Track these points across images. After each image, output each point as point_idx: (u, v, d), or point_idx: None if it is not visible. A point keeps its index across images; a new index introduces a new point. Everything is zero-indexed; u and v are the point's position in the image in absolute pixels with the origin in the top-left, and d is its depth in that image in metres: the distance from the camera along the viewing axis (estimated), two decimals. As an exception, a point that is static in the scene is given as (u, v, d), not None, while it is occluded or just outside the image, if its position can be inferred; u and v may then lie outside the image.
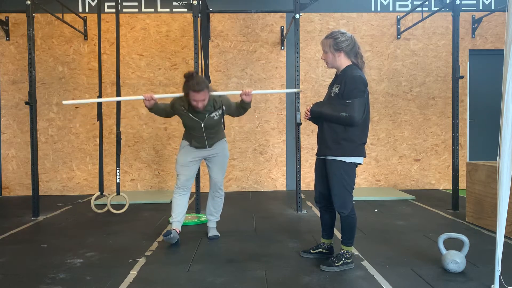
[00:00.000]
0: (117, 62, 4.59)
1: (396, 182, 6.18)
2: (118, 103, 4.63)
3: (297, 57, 4.50)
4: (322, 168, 2.81)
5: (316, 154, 2.84)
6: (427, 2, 6.00)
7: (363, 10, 6.11)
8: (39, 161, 5.90)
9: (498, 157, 2.22)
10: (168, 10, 6.01)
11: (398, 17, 6.07)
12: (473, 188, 3.89)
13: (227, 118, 6.01)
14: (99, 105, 4.66)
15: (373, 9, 6.12)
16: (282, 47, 6.05)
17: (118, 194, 4.63)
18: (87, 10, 5.98)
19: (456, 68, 4.45)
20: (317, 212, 4.52)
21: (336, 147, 2.66)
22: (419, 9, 5.94)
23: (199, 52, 4.51)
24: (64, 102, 3.26)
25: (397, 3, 6.14)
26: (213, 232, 3.53)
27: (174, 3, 5.97)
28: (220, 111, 3.31)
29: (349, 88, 2.59)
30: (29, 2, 4.30)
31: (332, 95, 2.71)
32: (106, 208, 4.59)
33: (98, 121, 4.70)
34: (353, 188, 2.71)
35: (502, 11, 5.95)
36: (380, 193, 5.56)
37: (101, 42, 4.71)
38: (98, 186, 5.61)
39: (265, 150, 6.11)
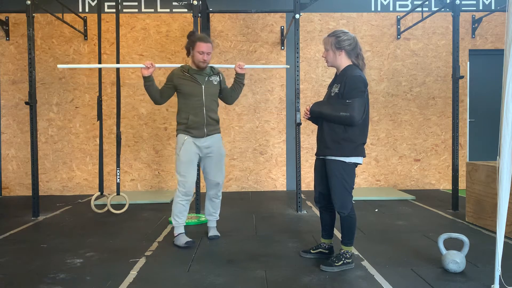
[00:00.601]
0: (117, 62, 4.59)
1: (396, 182, 6.18)
2: (118, 103, 4.62)
3: (297, 57, 4.50)
4: (322, 168, 2.81)
5: (316, 154, 2.84)
6: (427, 2, 6.00)
7: (363, 10, 6.10)
8: (39, 161, 5.90)
9: (498, 157, 2.22)
10: (168, 10, 6.01)
11: (398, 17, 6.07)
12: (473, 188, 3.89)
13: (227, 118, 6.04)
14: (99, 105, 4.66)
15: (373, 9, 6.12)
16: (282, 47, 6.05)
17: (118, 194, 4.63)
18: (87, 10, 5.98)
19: (456, 68, 4.45)
20: (317, 212, 4.52)
21: (335, 147, 2.66)
22: (419, 9, 5.94)
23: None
24: (59, 66, 3.21)
25: (397, 3, 6.14)
26: (213, 232, 3.52)
27: (174, 3, 5.97)
28: (218, 78, 3.41)
29: (349, 88, 2.60)
30: (29, 2, 4.30)
31: (332, 95, 2.71)
32: (106, 208, 4.59)
33: (98, 121, 4.70)
34: (353, 188, 2.71)
35: (502, 11, 5.95)
36: (380, 193, 5.56)
37: (101, 42, 4.71)
38: (98, 186, 5.61)
39: (265, 150, 6.11)
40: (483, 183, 3.72)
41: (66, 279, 2.58)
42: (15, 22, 5.90)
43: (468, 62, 6.12)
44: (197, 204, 4.51)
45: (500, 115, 2.20)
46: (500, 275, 2.25)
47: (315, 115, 2.78)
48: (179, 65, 3.41)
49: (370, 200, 5.19)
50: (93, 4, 5.98)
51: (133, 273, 2.67)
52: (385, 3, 6.13)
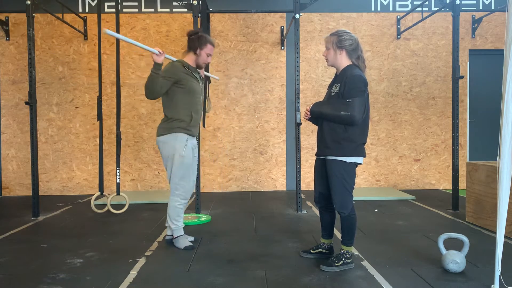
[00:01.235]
0: (117, 62, 4.59)
1: (396, 182, 6.18)
2: (118, 103, 4.62)
3: (297, 57, 4.50)
4: (322, 168, 2.81)
5: (316, 154, 2.84)
6: (427, 2, 6.00)
7: (363, 10, 6.10)
8: (39, 161, 5.90)
9: (498, 157, 2.22)
10: (168, 10, 6.01)
11: (398, 17, 6.07)
12: (473, 188, 3.89)
13: (227, 118, 6.04)
14: (99, 105, 4.66)
15: (373, 9, 6.12)
16: (282, 47, 6.05)
17: (118, 194, 4.63)
18: (87, 10, 5.98)
19: (456, 68, 4.45)
20: (317, 212, 4.51)
21: (336, 147, 2.66)
22: (419, 9, 5.94)
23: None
24: (107, 31, 2.66)
25: (397, 3, 6.14)
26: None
27: (174, 3, 5.98)
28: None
29: (349, 87, 2.60)
30: (29, 2, 4.30)
31: (332, 94, 2.71)
32: (106, 208, 4.59)
33: (98, 121, 4.70)
34: (353, 188, 2.71)
35: (502, 11, 5.95)
36: (380, 193, 5.56)
37: (101, 42, 4.71)
38: (98, 186, 5.61)
39: (265, 150, 6.11)
40: (483, 183, 3.72)
41: (66, 279, 2.58)
42: (15, 22, 5.90)
43: (468, 62, 6.12)
44: (197, 204, 4.51)
45: (500, 115, 2.20)
46: (500, 275, 2.25)
47: (315, 115, 2.78)
48: (177, 60, 3.24)
49: (370, 200, 5.19)
50: (93, 4, 5.98)
51: (133, 273, 2.67)
52: (385, 3, 6.13)
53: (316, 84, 6.10)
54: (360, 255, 3.00)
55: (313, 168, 2.95)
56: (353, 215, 2.71)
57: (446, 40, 6.10)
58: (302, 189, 5.86)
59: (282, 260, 2.91)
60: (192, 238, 3.40)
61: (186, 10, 5.89)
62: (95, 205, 4.71)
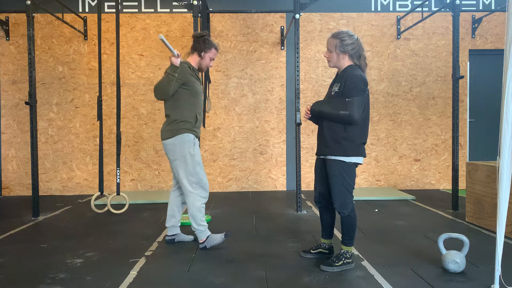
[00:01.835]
0: (117, 62, 4.59)
1: (396, 182, 6.18)
2: (118, 103, 4.62)
3: (297, 57, 4.50)
4: (322, 168, 2.81)
5: (316, 154, 2.84)
6: (427, 2, 6.00)
7: (363, 10, 6.11)
8: (39, 161, 5.90)
9: (498, 157, 2.22)
10: (168, 10, 6.01)
11: (398, 17, 6.07)
12: (473, 188, 3.89)
13: (227, 118, 6.04)
14: (99, 105, 4.66)
15: (373, 9, 6.12)
16: (282, 47, 6.05)
17: (118, 194, 4.63)
18: (87, 10, 5.98)
19: (456, 68, 4.45)
20: (317, 212, 4.52)
21: (336, 147, 2.66)
22: (419, 9, 5.94)
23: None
24: (161, 36, 2.76)
25: (397, 3, 6.14)
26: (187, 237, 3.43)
27: (174, 3, 5.97)
28: None
29: (349, 86, 2.60)
30: (29, 2, 4.30)
31: (332, 93, 2.71)
32: (106, 208, 4.59)
33: (98, 121, 4.70)
34: (353, 188, 2.71)
35: (502, 11, 5.95)
36: (380, 193, 5.56)
37: (101, 42, 4.71)
38: (98, 186, 5.61)
39: (265, 150, 6.11)
40: (483, 183, 3.72)
41: (66, 279, 2.58)
42: (15, 22, 5.90)
43: (468, 62, 6.12)
44: (197, 204, 4.50)
45: (500, 115, 2.20)
46: (500, 275, 2.25)
47: (315, 114, 2.78)
48: (175, 51, 3.14)
49: (370, 200, 5.19)
50: (93, 4, 5.98)
51: (133, 273, 2.67)
52: (385, 3, 6.13)
53: (316, 84, 6.10)
54: (360, 255, 3.00)
55: (313, 168, 2.95)
56: (353, 215, 2.71)
57: (446, 40, 6.10)
58: (302, 189, 5.87)
59: (282, 260, 2.91)
60: (192, 237, 3.40)
61: (186, 10, 5.89)
62: (95, 205, 4.71)
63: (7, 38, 5.89)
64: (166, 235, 3.38)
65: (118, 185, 4.62)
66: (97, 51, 5.89)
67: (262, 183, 6.12)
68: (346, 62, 2.73)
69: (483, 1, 6.15)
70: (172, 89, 3.02)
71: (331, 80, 5.84)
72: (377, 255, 3.01)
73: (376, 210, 4.63)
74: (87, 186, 6.00)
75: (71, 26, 5.65)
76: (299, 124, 4.51)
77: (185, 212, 4.39)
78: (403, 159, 6.18)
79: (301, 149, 5.50)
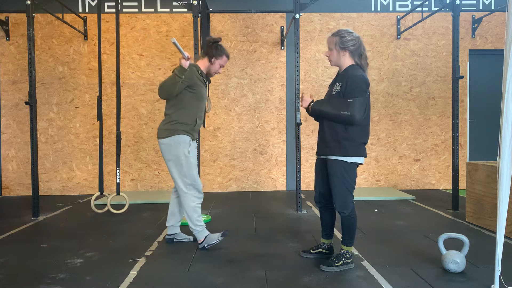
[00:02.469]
0: (117, 62, 4.59)
1: (396, 182, 6.18)
2: (118, 103, 4.62)
3: (297, 57, 4.50)
4: (323, 168, 2.81)
5: (317, 154, 2.84)
6: (427, 2, 6.00)
7: (363, 10, 6.11)
8: (39, 161, 5.90)
9: (498, 157, 2.22)
10: (168, 10, 6.01)
11: (398, 17, 6.07)
12: (473, 188, 3.89)
13: (227, 118, 6.04)
14: (99, 105, 4.66)
15: (373, 9, 6.12)
16: (282, 47, 6.05)
17: (118, 194, 4.63)
18: (87, 10, 5.98)
19: (456, 68, 4.45)
20: (317, 212, 4.52)
21: (336, 147, 2.65)
22: (419, 9, 5.94)
23: (199, 52, 4.51)
24: (173, 40, 2.78)
25: (397, 3, 6.14)
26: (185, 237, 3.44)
27: (174, 3, 5.97)
28: None
29: (351, 87, 2.60)
30: (29, 2, 4.30)
31: (333, 93, 2.71)
32: (106, 208, 4.59)
33: (98, 121, 4.70)
34: (354, 188, 2.71)
35: (502, 11, 5.95)
36: (380, 193, 5.56)
37: (101, 42, 4.71)
38: (98, 186, 5.61)
39: (265, 150, 6.11)
40: (483, 183, 3.72)
41: (66, 279, 2.58)
42: (15, 22, 5.90)
43: (468, 62, 6.12)
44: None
45: (500, 115, 2.20)
46: (500, 275, 2.25)
47: (315, 113, 2.78)
48: (185, 53, 3.10)
49: (370, 200, 5.19)
50: (93, 4, 5.98)
51: (133, 273, 2.67)
52: (385, 3, 6.13)
53: (316, 84, 6.10)
54: (360, 255, 3.00)
55: (313, 168, 2.95)
56: (354, 215, 2.71)
57: (446, 40, 6.10)
58: (302, 189, 5.87)
59: (282, 260, 2.91)
60: (191, 238, 3.40)
61: (186, 10, 5.89)
62: (95, 205, 4.71)
63: (7, 38, 5.90)
64: (166, 235, 3.39)
65: (118, 185, 4.62)
66: (97, 51, 5.89)
67: (262, 183, 6.12)
68: (347, 60, 2.72)
69: (483, 1, 6.15)
70: (177, 90, 3.03)
71: (331, 80, 5.84)
72: (377, 255, 3.01)
73: (376, 210, 4.63)
74: (87, 186, 6.00)
75: (71, 26, 5.65)
76: (299, 124, 4.51)
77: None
78: (403, 159, 6.18)
79: (301, 149, 5.50)
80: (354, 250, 3.08)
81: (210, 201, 5.29)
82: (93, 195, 5.31)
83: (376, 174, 6.18)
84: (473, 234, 3.54)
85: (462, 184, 5.93)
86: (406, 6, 6.14)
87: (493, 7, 6.10)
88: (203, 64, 3.25)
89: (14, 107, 5.94)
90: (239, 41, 6.04)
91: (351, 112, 2.57)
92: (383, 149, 6.17)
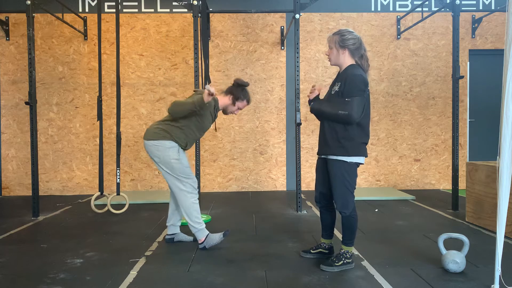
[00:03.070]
0: (117, 62, 4.59)
1: (396, 182, 6.18)
2: (118, 103, 4.61)
3: (297, 57, 4.50)
4: (323, 167, 2.81)
5: (317, 153, 2.84)
6: (427, 2, 6.00)
7: (363, 10, 6.11)
8: (39, 161, 5.90)
9: (498, 157, 2.22)
10: (168, 10, 6.01)
11: (398, 17, 6.07)
12: (473, 188, 3.89)
13: (227, 118, 6.04)
14: (99, 105, 4.66)
15: (373, 9, 6.12)
16: (282, 47, 6.05)
17: (118, 194, 4.63)
18: (87, 10, 5.98)
19: (456, 68, 4.45)
20: (317, 212, 4.52)
21: (337, 146, 2.65)
22: (419, 9, 5.94)
23: (199, 52, 4.51)
24: (207, 87, 2.87)
25: (397, 3, 6.14)
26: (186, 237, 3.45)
27: (174, 3, 5.97)
28: None
29: (349, 86, 2.60)
30: (29, 2, 4.30)
31: (332, 93, 2.71)
32: (106, 208, 4.59)
33: (98, 121, 4.70)
34: (355, 188, 2.71)
35: (502, 11, 5.95)
36: (380, 193, 5.56)
37: (101, 42, 4.71)
38: (98, 186, 5.61)
39: (265, 150, 6.11)
40: (483, 183, 3.72)
41: (66, 279, 2.58)
42: (15, 22, 5.90)
43: (468, 62, 6.12)
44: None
45: (500, 115, 2.20)
46: (500, 275, 2.25)
47: (315, 113, 2.78)
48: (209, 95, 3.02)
49: (370, 200, 5.19)
50: (93, 4, 5.98)
51: (133, 273, 2.67)
52: (385, 3, 6.13)
53: (316, 84, 6.10)
54: (360, 255, 3.00)
55: (314, 168, 2.95)
56: (354, 215, 2.71)
57: (446, 40, 6.10)
58: (302, 189, 5.87)
59: (282, 260, 2.91)
60: (191, 238, 3.40)
61: (186, 10, 5.89)
62: (95, 205, 4.71)
63: (7, 38, 5.90)
64: (166, 235, 3.39)
65: (118, 185, 4.62)
66: (97, 51, 5.89)
67: (262, 183, 6.12)
68: (347, 59, 2.72)
69: (483, 1, 6.15)
70: (188, 115, 3.07)
71: (331, 80, 5.85)
72: (377, 255, 3.01)
73: (376, 210, 4.63)
74: (87, 186, 6.00)
75: (71, 26, 5.65)
76: (299, 124, 4.51)
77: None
78: (403, 159, 6.18)
79: (301, 149, 5.50)
80: (354, 250, 3.08)
81: (210, 201, 5.29)
82: (93, 195, 5.31)
83: (376, 174, 6.18)
84: (473, 234, 3.54)
85: (462, 184, 5.93)
86: (406, 6, 6.15)
87: (493, 7, 6.10)
88: (222, 100, 3.23)
89: (14, 107, 5.94)
90: (239, 41, 6.04)
91: (348, 112, 2.57)
92: (383, 149, 6.17)
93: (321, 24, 6.10)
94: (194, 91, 3.33)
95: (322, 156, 2.80)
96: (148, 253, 3.11)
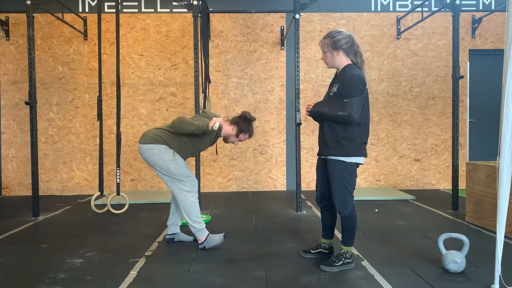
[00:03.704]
0: (117, 62, 4.59)
1: (396, 182, 6.18)
2: (118, 103, 4.61)
3: (297, 57, 4.50)
4: (323, 168, 2.81)
5: (318, 154, 2.84)
6: (427, 2, 6.00)
7: (363, 10, 6.11)
8: (39, 161, 5.90)
9: (498, 157, 2.22)
10: (168, 10, 6.01)
11: (398, 17, 6.07)
12: (473, 188, 3.89)
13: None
14: (99, 105, 4.66)
15: (373, 9, 6.12)
16: (282, 47, 6.05)
17: (118, 194, 4.63)
18: (87, 10, 5.98)
19: (456, 68, 4.45)
20: (317, 212, 4.52)
21: (336, 147, 2.65)
22: (419, 9, 5.94)
23: (199, 52, 4.51)
24: (216, 126, 2.95)
25: (397, 3, 6.14)
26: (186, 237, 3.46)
27: (174, 3, 5.97)
28: None
29: (347, 87, 2.60)
30: (29, 2, 4.30)
31: (331, 94, 2.71)
32: (106, 208, 4.59)
33: (98, 121, 4.70)
34: (354, 188, 2.71)
35: (502, 11, 5.95)
36: (380, 193, 5.56)
37: (101, 42, 4.71)
38: (98, 186, 5.61)
39: (265, 150, 6.11)
40: (483, 183, 3.72)
41: (66, 279, 2.58)
42: (15, 22, 5.90)
43: (468, 62, 6.12)
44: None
45: (500, 115, 2.20)
46: (500, 275, 2.25)
47: (314, 116, 2.78)
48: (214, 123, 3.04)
49: (370, 200, 5.19)
50: (93, 4, 5.98)
51: (133, 273, 2.67)
52: (385, 3, 6.13)
53: (316, 84, 6.10)
54: (360, 255, 3.00)
55: (314, 168, 2.95)
56: (354, 215, 2.71)
57: (446, 40, 6.10)
58: (302, 189, 5.87)
59: (282, 260, 2.91)
60: (191, 238, 3.40)
61: (186, 10, 5.89)
62: (95, 205, 4.71)
63: (7, 38, 5.90)
64: (166, 235, 3.39)
65: (118, 185, 4.62)
66: (97, 51, 5.89)
67: (262, 183, 6.12)
68: (342, 59, 2.72)
69: (483, 1, 6.15)
70: (188, 134, 3.10)
71: (330, 80, 5.85)
72: (377, 255, 3.01)
73: (376, 210, 4.63)
74: (87, 186, 6.00)
75: (71, 26, 5.65)
76: (299, 124, 4.51)
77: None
78: (403, 159, 6.18)
79: (301, 149, 5.50)
80: (354, 250, 3.08)
81: (210, 201, 5.29)
82: (93, 195, 5.31)
83: (376, 174, 6.18)
84: (473, 234, 3.54)
85: (462, 184, 5.93)
86: (406, 6, 6.15)
87: (493, 7, 6.10)
88: (226, 129, 3.24)
89: (14, 107, 5.94)
90: (239, 41, 6.04)
91: (348, 112, 2.57)
92: (383, 149, 6.17)
93: (321, 24, 6.10)
94: (203, 111, 3.35)
95: (322, 157, 2.80)
96: (148, 253, 3.11)
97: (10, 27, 5.89)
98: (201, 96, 4.40)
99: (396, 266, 2.78)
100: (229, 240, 3.43)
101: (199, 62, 4.47)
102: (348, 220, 2.70)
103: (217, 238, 3.17)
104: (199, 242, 3.17)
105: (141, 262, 2.90)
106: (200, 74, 4.49)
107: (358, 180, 6.08)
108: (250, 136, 3.30)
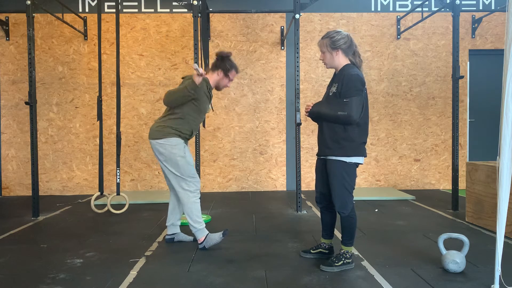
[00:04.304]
0: (117, 62, 4.59)
1: (396, 182, 6.18)
2: (118, 103, 4.62)
3: (297, 57, 4.50)
4: (323, 168, 2.81)
5: (317, 154, 2.84)
6: (427, 2, 6.00)
7: (363, 10, 6.11)
8: (39, 161, 5.90)
9: (498, 157, 2.22)
10: (168, 10, 6.01)
11: (398, 17, 6.07)
12: (473, 188, 3.89)
13: (227, 118, 6.04)
14: (99, 105, 4.66)
15: (373, 9, 6.12)
16: (282, 47, 6.05)
17: (118, 194, 4.63)
18: (87, 10, 5.98)
19: (456, 68, 4.45)
20: (317, 212, 4.52)
21: (336, 147, 2.66)
22: (419, 9, 5.94)
23: (199, 52, 4.51)
24: (195, 66, 2.88)
25: (397, 3, 6.14)
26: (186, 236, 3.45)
27: (174, 3, 5.98)
28: None
29: (347, 87, 2.60)
30: (29, 2, 4.30)
31: (330, 94, 2.71)
32: (106, 208, 4.59)
33: (98, 121, 4.70)
34: (354, 189, 2.71)
35: (502, 11, 5.95)
36: (380, 193, 5.56)
37: (101, 42, 4.71)
38: (98, 186, 5.61)
39: (265, 150, 6.11)
40: (483, 183, 3.72)
41: (66, 279, 2.58)
42: (15, 22, 5.90)
43: (468, 62, 6.12)
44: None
45: (500, 115, 2.20)
46: (500, 275, 2.25)
47: (314, 116, 2.78)
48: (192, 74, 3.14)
49: (370, 200, 5.19)
50: (93, 4, 5.98)
51: (133, 273, 2.67)
52: (385, 3, 6.13)
53: (316, 84, 6.10)
54: (360, 255, 3.00)
55: (314, 168, 2.95)
56: (353, 215, 2.71)
57: (446, 40, 6.10)
58: (302, 189, 5.87)
59: (282, 260, 2.91)
60: (191, 238, 3.40)
61: (186, 10, 5.89)
62: (95, 205, 4.71)
63: (7, 38, 5.90)
64: (166, 235, 3.39)
65: (118, 185, 4.62)
66: (97, 51, 5.89)
67: (262, 183, 6.12)
68: (341, 59, 2.73)
69: (483, 1, 6.15)
70: (184, 102, 3.07)
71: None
72: (377, 255, 3.01)
73: (376, 210, 4.63)
74: (87, 186, 6.00)
75: (71, 26, 5.65)
76: (299, 124, 4.51)
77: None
78: (403, 159, 6.18)
79: (301, 149, 5.50)
80: (354, 250, 3.08)
81: (210, 201, 5.29)
82: (93, 195, 5.31)
83: (376, 174, 6.18)
84: (473, 234, 3.54)
85: (462, 184, 5.93)
86: (406, 6, 6.15)
87: (493, 7, 6.10)
88: (212, 78, 3.23)
89: (14, 107, 5.94)
90: (239, 41, 6.04)
91: (348, 112, 2.57)
92: (383, 149, 6.17)
93: (321, 24, 6.10)
94: (182, 78, 3.31)
95: (322, 157, 2.80)
96: (148, 253, 3.11)
97: (10, 27, 5.89)
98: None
99: (396, 266, 2.78)
100: (229, 240, 3.43)
101: (199, 62, 4.47)
102: (347, 220, 2.70)
103: (216, 236, 3.17)
104: (199, 242, 3.17)
105: (141, 262, 2.90)
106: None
107: (358, 180, 6.08)
108: (236, 71, 3.27)
